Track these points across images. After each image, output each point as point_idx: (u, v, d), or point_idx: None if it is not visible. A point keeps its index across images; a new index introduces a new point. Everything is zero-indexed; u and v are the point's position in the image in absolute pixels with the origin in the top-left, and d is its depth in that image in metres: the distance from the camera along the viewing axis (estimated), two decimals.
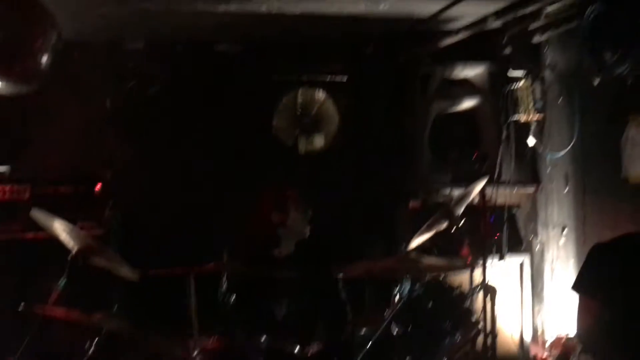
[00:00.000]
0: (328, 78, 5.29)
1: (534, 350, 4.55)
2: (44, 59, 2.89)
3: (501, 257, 4.40)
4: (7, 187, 3.76)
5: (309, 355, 2.45)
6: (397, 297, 2.60)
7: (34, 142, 4.48)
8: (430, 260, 2.64)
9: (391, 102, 5.25)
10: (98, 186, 3.83)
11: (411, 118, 5.10)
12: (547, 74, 4.66)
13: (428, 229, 3.07)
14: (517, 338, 4.51)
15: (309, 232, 3.28)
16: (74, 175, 3.94)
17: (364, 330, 2.52)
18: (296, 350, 2.47)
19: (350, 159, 5.17)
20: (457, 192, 3.17)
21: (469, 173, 3.91)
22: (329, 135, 5.26)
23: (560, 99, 4.62)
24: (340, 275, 2.77)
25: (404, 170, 5.06)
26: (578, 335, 2.76)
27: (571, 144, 4.44)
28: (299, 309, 2.81)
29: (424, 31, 4.68)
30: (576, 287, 2.75)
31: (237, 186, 4.57)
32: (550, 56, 4.70)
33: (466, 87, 4.99)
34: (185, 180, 4.61)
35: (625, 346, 2.53)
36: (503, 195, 4.72)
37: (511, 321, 4.50)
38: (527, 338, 4.53)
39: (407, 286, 2.39)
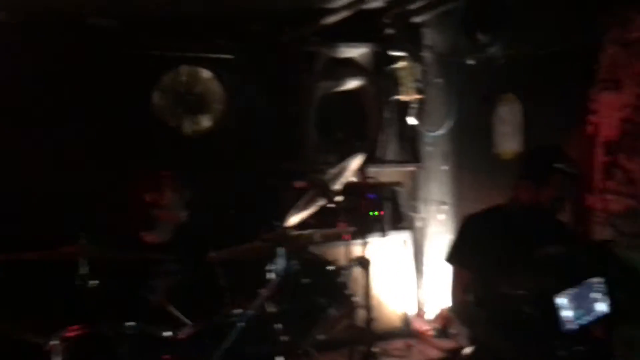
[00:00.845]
0: (213, 55, 5.12)
1: (416, 324, 4.69)
2: None
3: (384, 234, 4.48)
4: None
5: (179, 338, 2.36)
6: (272, 275, 2.55)
7: None
8: (303, 236, 2.61)
9: (277, 81, 5.18)
10: None
11: (297, 97, 5.07)
12: (427, 54, 4.78)
13: (305, 207, 3.06)
14: (400, 313, 4.62)
15: (187, 216, 3.15)
16: None
17: (239, 310, 2.45)
18: (167, 334, 2.37)
19: (235, 139, 5.05)
20: (332, 170, 3.14)
21: (355, 152, 3.94)
22: (216, 116, 5.11)
23: (438, 79, 4.76)
24: (214, 256, 2.69)
25: (290, 150, 5.02)
26: (452, 306, 2.81)
27: (448, 124, 4.60)
28: (172, 293, 2.71)
29: (306, 9, 4.64)
30: (448, 258, 2.84)
31: (114, 170, 4.32)
32: (429, 37, 4.83)
33: (351, 67, 5.03)
34: (56, 164, 4.31)
35: (492, 315, 2.62)
36: (386, 174, 4.83)
37: (395, 296, 4.61)
38: (410, 312, 4.65)
39: (281, 264, 2.34)
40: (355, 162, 3.22)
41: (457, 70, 4.54)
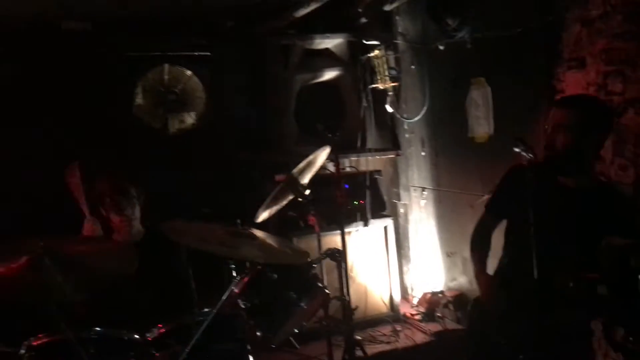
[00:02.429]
0: (192, 53, 5.14)
1: (403, 309, 4.74)
2: None
3: (365, 223, 4.53)
4: None
5: (149, 340, 2.41)
6: (237, 273, 2.59)
7: None
8: (262, 233, 2.64)
9: (255, 76, 5.21)
10: None
11: (275, 91, 5.09)
12: (400, 42, 4.79)
13: (274, 201, 3.10)
14: (386, 299, 4.66)
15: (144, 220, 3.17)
16: None
17: (207, 309, 2.50)
18: (135, 337, 2.42)
19: (218, 135, 5.09)
20: (300, 164, 3.18)
21: (333, 143, 3.97)
22: (199, 113, 5.14)
23: (412, 66, 4.78)
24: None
25: (271, 144, 5.06)
26: (471, 244, 2.84)
27: (423, 110, 4.62)
28: (138, 296, 2.75)
29: (279, 2, 4.65)
30: (488, 206, 2.83)
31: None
32: (401, 25, 4.84)
33: (327, 58, 5.05)
34: (35, 168, 4.36)
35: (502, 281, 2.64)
36: (366, 162, 4.86)
37: (382, 283, 4.65)
38: (397, 298, 4.70)
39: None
40: (323, 153, 3.24)
41: (428, 56, 4.56)
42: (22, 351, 2.20)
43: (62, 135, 4.51)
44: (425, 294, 4.73)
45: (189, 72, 5.08)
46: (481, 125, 4.07)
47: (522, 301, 2.39)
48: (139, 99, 4.94)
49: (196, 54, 5.13)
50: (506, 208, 2.70)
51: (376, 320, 4.59)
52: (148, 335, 2.43)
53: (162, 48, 4.99)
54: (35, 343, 2.24)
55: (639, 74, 3.00)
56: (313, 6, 4.46)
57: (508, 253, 2.72)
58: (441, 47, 4.31)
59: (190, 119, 5.13)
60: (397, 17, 4.82)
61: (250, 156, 4.98)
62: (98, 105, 4.66)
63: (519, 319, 2.41)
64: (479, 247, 2.81)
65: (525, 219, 2.28)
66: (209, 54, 5.17)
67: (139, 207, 3.07)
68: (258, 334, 2.71)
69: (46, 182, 4.13)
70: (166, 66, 5.01)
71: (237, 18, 5.09)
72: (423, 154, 4.84)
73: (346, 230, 4.01)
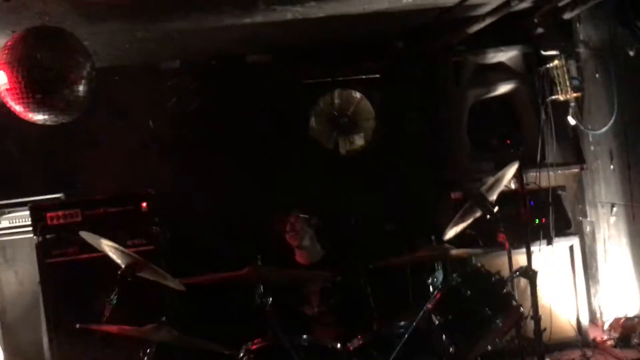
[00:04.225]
0: (362, 77, 5.32)
1: (592, 333, 4.45)
2: (81, 88, 3.06)
3: (549, 242, 4.33)
4: (61, 212, 3.98)
5: (350, 350, 2.50)
6: (432, 287, 2.61)
7: (83, 168, 4.73)
8: (460, 249, 2.64)
9: (426, 94, 5.24)
10: (144, 204, 4.00)
11: (447, 108, 5.09)
12: (582, 50, 4.56)
13: (462, 219, 3.08)
14: (574, 322, 4.41)
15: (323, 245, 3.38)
16: (122, 196, 4.12)
17: (403, 322, 2.55)
18: (338, 346, 2.53)
19: (389, 155, 5.18)
20: (488, 180, 3.13)
21: (511, 159, 3.87)
22: (368, 134, 5.28)
23: (597, 75, 4.52)
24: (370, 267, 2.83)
25: (444, 161, 5.04)
26: None
27: (612, 120, 4.33)
28: (330, 307, 2.87)
29: (451, 20, 4.65)
30: None
31: (276, 192, 4.65)
32: (582, 32, 4.61)
33: (501, 72, 4.95)
34: (225, 193, 4.75)
35: None
36: (548, 178, 4.65)
37: (567, 305, 4.41)
38: (585, 321, 4.42)
39: (439, 276, 2.40)
40: (511, 170, 3.17)
41: (615, 63, 4.27)
42: (242, 354, 2.40)
43: (251, 160, 4.88)
44: (618, 319, 4.38)
45: (358, 95, 5.26)
46: None
47: None
48: (312, 123, 5.19)
49: (365, 77, 5.30)
50: None
51: (563, 344, 4.36)
52: (349, 344, 2.53)
53: (333, 74, 5.23)
54: (253, 347, 2.44)
55: None
56: (488, 21, 4.40)
57: None
58: (631, 53, 4.03)
59: (360, 140, 5.29)
60: (578, 25, 4.60)
61: (423, 174, 5.00)
62: (280, 130, 5.00)
63: None
64: None
65: None
66: (378, 76, 5.31)
67: (310, 234, 3.27)
68: (451, 349, 2.69)
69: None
70: (337, 91, 5.23)
71: (407, 38, 5.18)
72: (612, 167, 4.52)
73: (533, 249, 3.87)
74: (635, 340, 4.18)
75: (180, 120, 4.91)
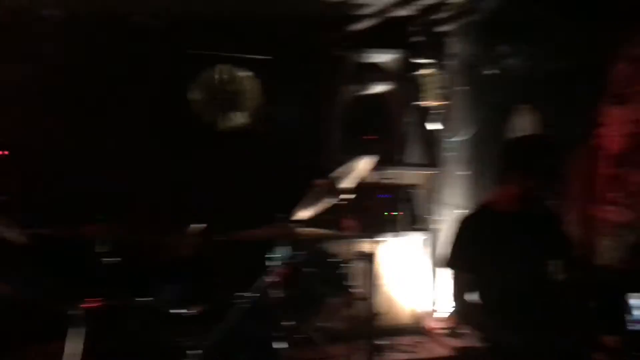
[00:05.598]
0: (249, 56, 5.37)
1: (428, 323, 4.84)
2: None
3: (400, 235, 4.66)
4: None
5: (189, 316, 2.61)
6: (275, 263, 2.77)
7: None
8: (307, 230, 2.82)
9: (309, 84, 5.40)
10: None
11: (326, 99, 5.28)
12: (451, 62, 4.92)
13: (313, 203, 3.27)
14: (411, 310, 4.77)
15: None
16: None
17: (243, 293, 2.68)
18: (180, 311, 2.62)
19: (269, 137, 5.29)
20: (340, 169, 3.34)
21: (380, 154, 4.13)
22: (250, 114, 5.36)
23: (462, 87, 4.91)
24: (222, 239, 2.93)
25: (318, 150, 5.24)
26: (455, 309, 2.88)
27: (468, 131, 4.74)
28: (177, 274, 2.96)
29: (336, 15, 4.85)
30: (449, 263, 2.91)
31: (150, 159, 4.63)
32: (455, 46, 4.97)
33: (378, 72, 5.22)
34: (94, 152, 4.65)
35: (499, 314, 2.70)
36: (406, 176, 4.99)
37: (408, 294, 4.77)
38: (423, 310, 4.80)
39: (282, 253, 2.55)
40: (365, 162, 3.40)
41: (478, 79, 4.67)
42: (77, 311, 2.43)
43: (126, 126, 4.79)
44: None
45: (243, 73, 5.32)
46: None
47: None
48: (194, 95, 5.19)
49: (253, 57, 5.37)
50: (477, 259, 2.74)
51: (400, 330, 4.68)
52: (187, 311, 2.63)
53: (221, 49, 5.24)
54: (88, 305, 2.47)
55: None
56: (371, 22, 4.65)
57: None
58: (489, 72, 4.43)
59: (241, 118, 5.35)
60: (450, 39, 4.96)
61: (297, 159, 5.17)
62: (158, 99, 4.94)
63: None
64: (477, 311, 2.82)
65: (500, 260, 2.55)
66: (265, 57, 5.40)
67: None
68: (285, 323, 2.88)
69: None
70: (222, 66, 5.25)
71: (296, 27, 5.32)
72: (463, 173, 4.95)
73: (380, 239, 4.17)
74: (462, 331, 4.62)
75: (51, 76, 4.71)
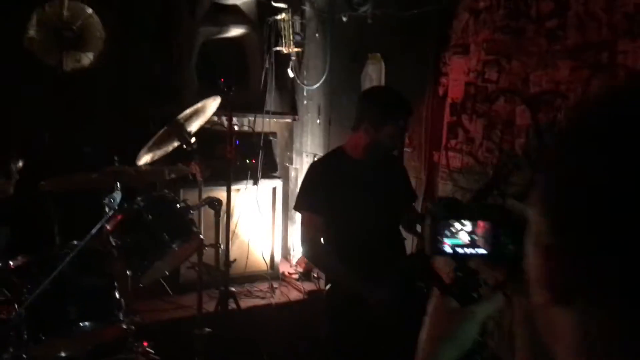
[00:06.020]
0: None
1: (283, 268, 4.91)
2: None
3: (255, 182, 4.63)
4: None
5: (11, 268, 2.40)
6: (108, 207, 2.62)
7: None
8: (149, 172, 2.68)
9: (162, 24, 5.11)
10: None
11: (179, 41, 5.04)
12: (307, 8, 4.87)
13: (157, 146, 3.12)
14: (268, 257, 4.81)
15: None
16: None
17: (73, 242, 2.51)
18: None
19: (118, 80, 4.98)
20: (186, 111, 3.21)
21: (233, 100, 4.01)
22: (96, 54, 4.98)
23: (317, 34, 4.89)
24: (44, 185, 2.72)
25: (171, 94, 5.01)
26: (305, 250, 2.93)
27: (322, 78, 4.75)
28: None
29: None
30: (298, 206, 2.96)
31: None
32: None
33: (234, 15, 5.05)
34: None
35: (345, 255, 2.79)
36: (262, 123, 4.94)
37: (264, 242, 4.79)
38: (278, 257, 4.86)
39: (117, 197, 2.40)
40: (213, 103, 3.28)
41: (333, 26, 4.67)
42: None
43: None
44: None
45: (90, 10, 4.90)
46: None
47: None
48: (32, 32, 4.72)
49: None
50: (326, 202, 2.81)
51: (255, 277, 4.72)
52: (11, 263, 2.42)
53: None
54: None
55: (512, 66, 3.25)
56: None
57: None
58: (344, 19, 4.43)
59: (87, 58, 4.96)
60: None
61: (148, 103, 4.92)
62: None
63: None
64: (326, 252, 2.88)
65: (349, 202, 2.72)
66: None
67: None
68: (128, 272, 2.75)
69: None
70: (66, 0, 4.81)
71: None
72: (318, 121, 4.98)
73: (235, 187, 4.11)
74: (314, 275, 4.74)
75: None
